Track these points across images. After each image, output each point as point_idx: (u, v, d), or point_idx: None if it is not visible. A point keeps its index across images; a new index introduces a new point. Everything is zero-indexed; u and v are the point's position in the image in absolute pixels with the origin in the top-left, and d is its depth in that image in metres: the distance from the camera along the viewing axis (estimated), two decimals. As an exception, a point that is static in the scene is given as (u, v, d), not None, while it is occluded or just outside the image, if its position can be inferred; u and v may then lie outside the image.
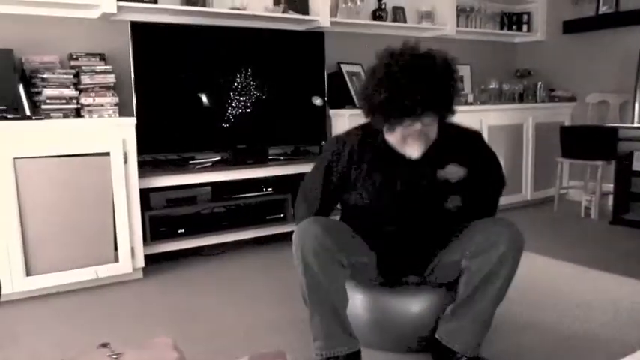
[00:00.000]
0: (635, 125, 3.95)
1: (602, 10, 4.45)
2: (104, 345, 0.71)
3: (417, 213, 1.83)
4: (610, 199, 4.06)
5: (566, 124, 4.65)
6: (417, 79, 1.61)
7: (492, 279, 1.71)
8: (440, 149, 1.78)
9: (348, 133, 1.95)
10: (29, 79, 2.74)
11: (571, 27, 4.67)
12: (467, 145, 1.89)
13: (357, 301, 1.91)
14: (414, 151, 1.73)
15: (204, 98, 3.22)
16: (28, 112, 2.65)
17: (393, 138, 1.77)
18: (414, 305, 1.90)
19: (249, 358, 0.82)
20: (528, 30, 4.97)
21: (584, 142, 4.16)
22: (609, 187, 4.04)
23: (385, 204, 1.83)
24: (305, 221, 1.73)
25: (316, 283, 1.66)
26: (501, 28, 4.95)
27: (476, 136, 1.98)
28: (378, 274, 1.93)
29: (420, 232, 1.86)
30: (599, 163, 4.01)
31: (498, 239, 1.70)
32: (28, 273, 2.54)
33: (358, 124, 1.94)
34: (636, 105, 4.01)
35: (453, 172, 1.81)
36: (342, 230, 1.82)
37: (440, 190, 1.82)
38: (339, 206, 1.99)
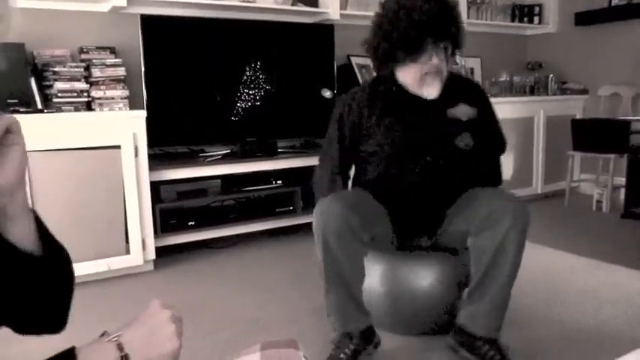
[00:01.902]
0: (648, 118, 3.92)
1: (615, 1, 4.40)
2: (102, 334, 0.72)
3: (430, 152, 1.83)
4: (622, 193, 4.02)
5: (578, 116, 4.61)
6: (428, 8, 1.68)
7: (501, 258, 1.70)
8: (448, 91, 1.81)
9: (357, 88, 2.00)
10: (40, 72, 2.75)
11: (583, 19, 4.62)
12: (474, 92, 1.94)
13: (373, 279, 1.92)
14: (432, 89, 1.77)
15: (213, 91, 3.22)
16: (39, 106, 2.66)
17: (409, 78, 1.79)
18: (427, 280, 1.90)
19: (260, 347, 0.82)
20: (540, 22, 4.92)
21: (596, 135, 4.12)
22: (621, 180, 4.00)
23: (399, 146, 1.83)
24: (327, 199, 1.72)
25: (335, 263, 1.68)
26: (512, 20, 4.91)
27: (480, 88, 2.02)
28: (393, 239, 1.93)
29: (433, 176, 1.84)
30: (612, 156, 3.98)
31: (502, 215, 1.68)
32: (41, 265, 2.55)
33: (365, 80, 2.00)
34: (649, 97, 3.97)
35: (464, 110, 1.83)
36: (362, 202, 1.81)
37: (451, 128, 1.82)
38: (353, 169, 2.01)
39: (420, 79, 1.78)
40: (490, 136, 1.96)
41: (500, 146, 2.00)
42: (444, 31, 1.73)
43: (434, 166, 1.84)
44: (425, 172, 1.84)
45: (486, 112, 1.94)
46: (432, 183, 1.85)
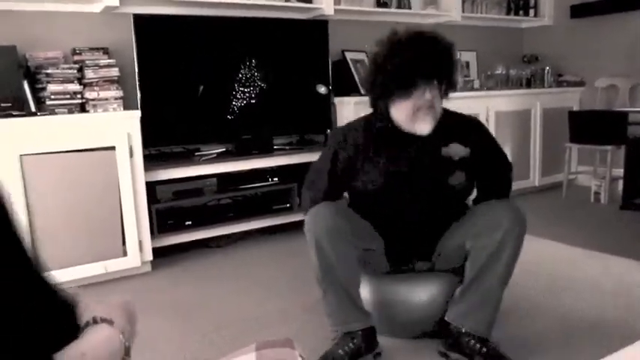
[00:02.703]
0: (645, 109, 3.91)
1: (610, -8, 4.38)
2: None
3: (423, 190, 1.84)
4: (620, 184, 4.02)
5: (575, 109, 4.60)
6: (423, 46, 1.74)
7: (497, 258, 1.72)
8: (442, 129, 1.82)
9: (351, 123, 2.02)
10: (33, 75, 2.73)
11: (579, 11, 4.60)
12: (467, 128, 1.93)
13: (365, 291, 1.91)
14: (425, 125, 1.78)
15: (208, 89, 3.21)
16: (33, 109, 2.65)
17: (402, 114, 1.81)
18: (423, 292, 1.90)
19: (255, 347, 0.81)
20: (535, 15, 4.90)
21: (593, 127, 4.11)
22: (619, 171, 3.99)
23: (392, 183, 1.85)
24: (317, 205, 1.77)
25: (329, 263, 1.70)
26: (508, 13, 4.89)
27: (475, 121, 2.02)
28: (386, 262, 1.94)
29: (426, 212, 1.87)
30: (609, 147, 3.97)
31: (500, 219, 1.72)
32: (37, 268, 2.54)
33: (360, 117, 2.00)
34: (646, 88, 3.96)
35: (456, 150, 1.85)
36: (351, 215, 1.84)
37: (444, 167, 1.84)
38: (346, 194, 2.01)
39: (412, 115, 1.78)
40: (495, 162, 1.97)
41: (506, 167, 2.01)
42: (437, 70, 1.76)
43: (427, 204, 1.86)
44: (418, 209, 1.86)
45: (484, 142, 1.94)
46: (425, 218, 1.88)
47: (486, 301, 1.75)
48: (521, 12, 4.92)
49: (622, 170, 3.92)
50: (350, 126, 1.99)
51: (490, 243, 1.72)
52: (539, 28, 4.98)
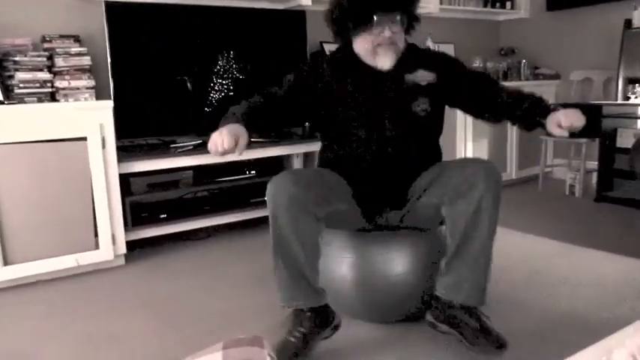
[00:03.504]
0: (619, 102, 3.95)
1: (586, -14, 4.41)
2: None
3: (386, 119, 1.82)
4: (594, 177, 4.07)
5: (551, 101, 4.61)
6: None
7: (477, 222, 1.66)
8: (407, 61, 1.83)
9: (317, 53, 2.03)
10: (0, 62, 2.64)
11: (555, 4, 4.63)
12: (434, 58, 1.92)
13: (342, 268, 1.88)
14: (386, 60, 1.78)
15: (183, 80, 3.14)
16: (0, 97, 2.56)
17: (362, 48, 1.81)
18: (400, 265, 1.85)
19: (223, 345, 0.78)
20: (512, 7, 4.92)
21: (568, 120, 4.14)
22: (593, 164, 4.04)
23: (355, 113, 1.83)
24: (279, 175, 1.70)
25: (283, 237, 1.65)
26: (485, 6, 4.89)
27: (443, 54, 2.00)
28: (359, 217, 1.88)
29: (393, 144, 1.83)
30: (583, 140, 4.01)
31: (475, 179, 1.65)
32: (6, 262, 2.47)
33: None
34: (620, 82, 4.01)
35: (422, 75, 1.83)
36: (320, 178, 1.78)
37: (406, 94, 1.82)
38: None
39: (372, 50, 1.78)
40: (473, 78, 1.94)
41: (489, 78, 1.99)
42: (395, 3, 1.74)
43: (392, 133, 1.82)
44: (383, 140, 1.82)
45: (453, 65, 1.92)
46: (393, 150, 1.83)
47: (475, 269, 1.70)
48: (498, 5, 4.93)
49: (596, 163, 3.97)
50: (316, 54, 2.01)
51: (467, 208, 1.65)
52: (516, 20, 5.00)
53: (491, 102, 1.87)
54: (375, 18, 1.73)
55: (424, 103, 1.82)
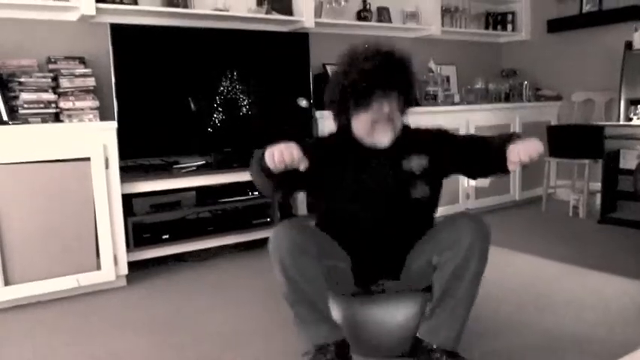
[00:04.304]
0: (622, 123, 3.95)
1: (586, 8, 4.45)
2: None
3: (386, 204, 1.83)
4: (598, 198, 4.05)
5: (553, 123, 4.65)
6: (381, 61, 1.76)
7: (461, 272, 1.70)
8: (403, 144, 1.85)
9: (323, 137, 2.07)
10: (6, 83, 2.67)
11: (555, 26, 4.67)
12: (426, 137, 1.93)
13: (335, 312, 1.85)
14: (383, 137, 1.81)
15: (187, 101, 3.16)
16: (5, 117, 2.58)
17: (361, 127, 1.82)
18: (396, 312, 1.85)
19: None
20: (513, 29, 4.97)
21: (571, 141, 4.15)
22: (597, 185, 4.03)
23: (355, 199, 1.84)
24: (281, 224, 1.74)
25: (294, 281, 1.67)
26: (486, 28, 4.95)
27: (431, 131, 1.99)
28: (353, 281, 1.90)
29: (391, 226, 1.84)
30: (587, 161, 4.01)
31: (462, 233, 1.69)
32: (7, 283, 2.47)
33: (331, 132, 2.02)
34: (622, 103, 4.01)
35: (416, 162, 1.85)
36: (317, 234, 1.82)
37: (406, 180, 1.84)
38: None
39: (371, 127, 1.80)
40: (469, 142, 1.95)
41: (475, 142, 1.97)
42: (393, 82, 1.78)
43: (392, 218, 1.85)
44: (383, 224, 1.84)
45: (445, 140, 1.93)
46: (391, 233, 1.86)
47: (453, 316, 1.74)
48: (499, 27, 4.99)
49: (600, 184, 3.96)
50: (321, 138, 2.04)
51: (454, 257, 1.70)
52: (517, 42, 5.04)
53: (480, 165, 1.90)
54: (374, 96, 1.77)
55: (423, 189, 1.85)
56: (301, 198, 3.46)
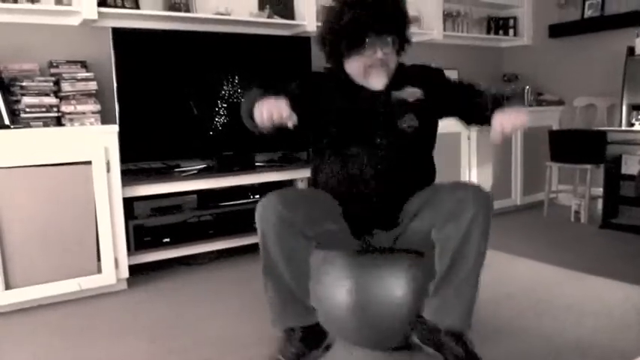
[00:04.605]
0: (623, 129, 3.95)
1: (588, 13, 4.45)
2: None
3: (375, 136, 1.82)
4: (599, 203, 4.05)
5: (555, 127, 4.64)
6: (374, 4, 1.74)
7: (466, 245, 1.64)
8: (398, 79, 1.85)
9: (315, 72, 2.13)
10: (8, 87, 2.67)
11: (557, 31, 4.68)
12: (424, 73, 1.93)
13: (335, 292, 1.85)
14: (378, 81, 1.81)
15: (188, 105, 3.17)
16: (6, 121, 2.58)
17: (354, 70, 1.83)
18: (395, 289, 1.82)
19: None
20: (515, 34, 4.97)
21: (572, 146, 4.15)
22: (599, 190, 4.03)
23: (345, 131, 1.83)
24: (268, 195, 1.69)
25: (272, 258, 1.65)
26: (488, 33, 4.95)
27: (431, 69, 1.99)
28: (350, 238, 1.87)
29: (383, 162, 1.82)
30: (588, 166, 4.00)
31: (465, 203, 1.64)
32: (8, 286, 2.47)
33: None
34: (624, 108, 4.01)
35: (409, 92, 1.84)
36: (309, 198, 1.80)
37: (393, 110, 1.83)
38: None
39: (364, 71, 1.80)
40: (458, 88, 1.95)
41: (467, 86, 1.97)
42: (387, 26, 1.76)
43: (382, 151, 1.82)
44: (374, 157, 1.81)
45: (441, 81, 1.94)
46: (384, 168, 1.82)
47: (461, 294, 1.68)
48: (501, 32, 4.99)
49: (601, 189, 3.95)
50: (313, 73, 2.11)
51: (456, 232, 1.64)
52: (519, 47, 5.04)
53: (471, 110, 1.89)
54: (367, 40, 1.76)
55: (411, 119, 1.83)
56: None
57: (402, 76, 1.87)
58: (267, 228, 1.63)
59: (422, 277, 1.82)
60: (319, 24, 3.64)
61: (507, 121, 1.61)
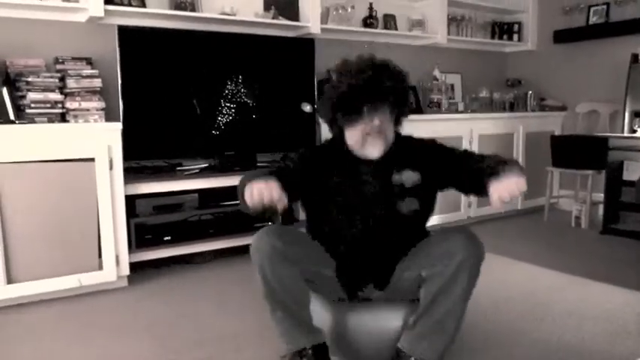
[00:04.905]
0: (626, 135, 3.96)
1: (593, 20, 4.46)
2: None
3: (374, 217, 1.82)
4: (600, 209, 4.05)
5: (557, 133, 4.65)
6: (371, 74, 1.75)
7: (451, 287, 1.66)
8: (395, 155, 1.84)
9: (316, 146, 2.08)
10: (13, 82, 2.69)
11: (562, 37, 4.68)
12: (420, 151, 1.91)
13: (320, 319, 1.85)
14: (374, 149, 1.79)
15: (192, 104, 3.17)
16: (12, 117, 2.59)
17: (353, 138, 1.82)
18: (381, 320, 1.85)
19: None
20: (519, 39, 4.98)
21: (574, 152, 4.15)
22: (600, 196, 4.03)
23: (344, 209, 1.83)
24: (263, 229, 1.72)
25: (271, 285, 1.68)
26: (492, 37, 4.96)
27: (429, 142, 1.97)
28: (340, 288, 1.88)
29: (379, 238, 1.83)
30: (590, 172, 4.01)
31: (455, 249, 1.66)
32: (9, 281, 2.48)
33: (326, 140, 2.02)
34: (626, 115, 4.02)
35: (408, 176, 1.83)
36: (302, 240, 1.82)
37: (393, 194, 1.82)
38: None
39: (362, 139, 1.79)
40: (454, 159, 1.92)
41: (466, 152, 1.96)
42: (383, 95, 1.76)
43: (379, 230, 1.83)
44: (368, 235, 1.83)
45: (438, 156, 1.91)
46: (377, 245, 1.84)
47: (438, 329, 1.70)
48: (505, 36, 5.00)
49: (602, 195, 3.95)
50: (315, 147, 2.04)
51: (444, 271, 1.66)
52: (523, 52, 5.05)
53: (469, 182, 1.86)
54: (364, 109, 1.76)
55: (412, 203, 1.83)
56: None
57: (400, 151, 1.87)
58: (262, 258, 1.66)
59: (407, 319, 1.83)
60: (323, 26, 3.68)
61: (504, 190, 1.60)
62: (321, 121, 3.56)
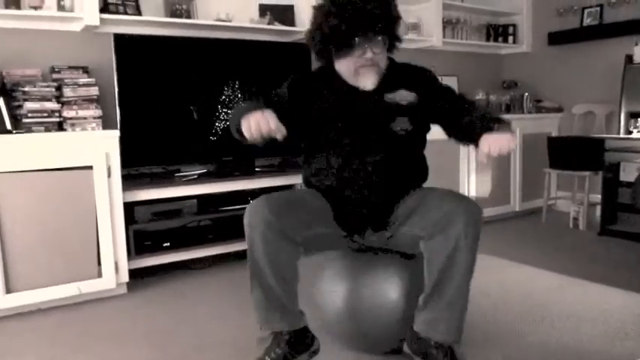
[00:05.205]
0: (622, 136, 3.97)
1: (587, 21, 4.48)
2: None
3: (367, 138, 1.81)
4: (598, 210, 4.06)
5: (554, 134, 4.66)
6: (361, 4, 1.71)
7: (455, 259, 1.63)
8: (389, 79, 1.83)
9: (305, 73, 2.07)
10: (10, 92, 2.69)
11: (556, 38, 4.70)
12: (416, 76, 1.91)
13: (328, 296, 1.87)
14: (367, 81, 1.80)
15: (189, 110, 3.18)
16: (8, 126, 2.60)
17: (344, 69, 1.82)
18: (388, 294, 1.84)
19: None
20: (514, 41, 4.99)
21: (571, 153, 4.17)
22: (597, 197, 4.04)
23: (336, 131, 1.83)
24: (256, 200, 1.69)
25: (258, 262, 1.64)
26: (487, 40, 4.98)
27: (427, 71, 1.97)
28: (341, 238, 1.87)
29: (374, 162, 1.81)
30: (587, 173, 4.02)
31: (454, 217, 1.63)
32: (8, 290, 2.48)
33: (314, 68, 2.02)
34: (622, 116, 4.03)
35: (403, 95, 1.83)
36: (297, 203, 1.77)
37: (386, 113, 1.82)
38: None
39: (354, 71, 1.79)
40: (449, 98, 1.92)
41: (458, 98, 1.96)
42: (375, 25, 1.74)
43: (373, 152, 1.81)
44: (365, 158, 1.81)
45: (434, 87, 1.91)
46: (374, 169, 1.81)
47: (451, 308, 1.68)
48: (500, 39, 5.02)
49: (600, 196, 3.97)
50: (304, 73, 2.05)
51: (445, 245, 1.63)
52: (518, 54, 5.07)
53: (457, 124, 1.87)
54: (356, 41, 1.75)
55: (404, 122, 1.82)
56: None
57: (394, 75, 1.86)
58: (255, 233, 1.63)
59: (414, 282, 1.84)
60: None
61: (495, 144, 1.60)
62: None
